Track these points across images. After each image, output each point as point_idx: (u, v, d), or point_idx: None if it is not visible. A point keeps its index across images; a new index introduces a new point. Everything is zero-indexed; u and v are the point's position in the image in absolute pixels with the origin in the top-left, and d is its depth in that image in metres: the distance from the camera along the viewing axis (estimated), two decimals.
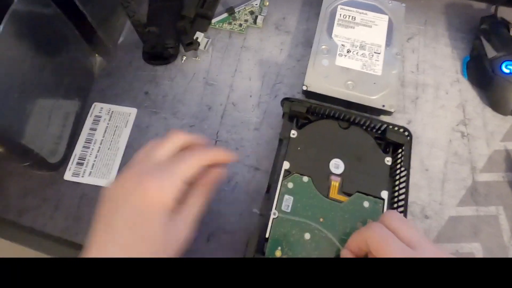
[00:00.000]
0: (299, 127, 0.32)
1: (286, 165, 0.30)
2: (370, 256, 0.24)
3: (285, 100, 0.32)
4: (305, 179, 0.29)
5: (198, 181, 0.25)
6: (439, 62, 0.38)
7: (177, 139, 0.25)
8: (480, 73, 0.36)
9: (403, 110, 0.35)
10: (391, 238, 0.22)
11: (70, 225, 0.30)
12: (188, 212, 0.24)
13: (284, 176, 0.29)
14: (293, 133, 0.31)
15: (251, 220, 0.30)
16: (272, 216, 0.28)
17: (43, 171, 0.32)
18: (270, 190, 0.29)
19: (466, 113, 0.35)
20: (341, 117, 0.32)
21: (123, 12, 0.40)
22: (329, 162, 0.30)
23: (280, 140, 0.31)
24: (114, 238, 0.21)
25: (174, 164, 0.23)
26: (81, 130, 0.34)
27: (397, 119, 0.35)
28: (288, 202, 0.28)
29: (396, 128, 0.31)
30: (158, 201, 0.22)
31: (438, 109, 0.35)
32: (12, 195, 0.32)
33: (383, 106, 0.33)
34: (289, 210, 0.28)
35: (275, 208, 0.28)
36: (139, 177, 0.22)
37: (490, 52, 0.35)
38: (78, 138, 0.34)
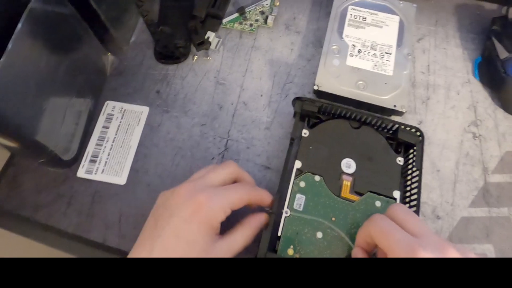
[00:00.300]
0: (310, 127, 0.32)
1: (298, 164, 0.30)
2: (379, 249, 0.24)
3: (297, 100, 0.32)
4: (317, 178, 0.29)
5: (247, 220, 0.26)
6: (450, 63, 0.37)
7: (232, 169, 0.27)
8: (492, 74, 0.36)
9: (414, 110, 0.35)
10: (393, 228, 0.22)
11: (82, 221, 0.31)
12: (231, 243, 0.24)
13: (296, 175, 0.29)
14: (305, 133, 0.31)
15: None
16: (284, 215, 0.28)
17: (57, 168, 0.33)
18: (281, 188, 0.29)
19: (478, 114, 0.35)
20: (352, 117, 0.32)
21: (136, 12, 0.40)
22: (340, 162, 0.30)
23: (292, 140, 0.31)
24: (159, 245, 0.22)
25: (227, 190, 0.25)
26: (94, 128, 0.35)
27: (408, 120, 0.35)
28: (300, 201, 0.29)
29: (408, 128, 0.31)
30: (206, 217, 0.23)
31: (449, 110, 0.35)
32: (27, 191, 0.32)
33: (395, 106, 0.33)
34: (301, 209, 0.28)
35: (287, 207, 0.28)
36: (194, 191, 0.24)
37: (502, 53, 0.35)
38: (91, 136, 0.34)
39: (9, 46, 0.24)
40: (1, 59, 0.24)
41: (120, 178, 0.32)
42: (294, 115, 0.33)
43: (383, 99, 0.34)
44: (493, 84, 0.36)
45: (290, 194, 0.29)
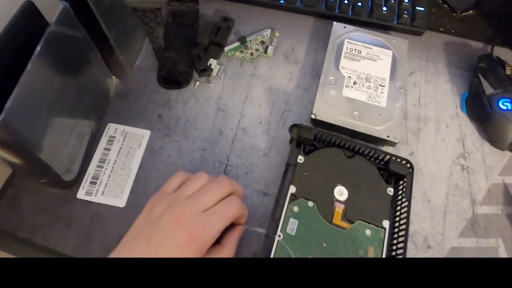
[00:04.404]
0: (305, 153, 0.33)
1: (292, 189, 0.31)
2: None
3: (294, 126, 0.33)
4: (310, 204, 0.30)
5: (229, 235, 0.28)
6: (440, 97, 0.40)
7: (226, 189, 0.27)
8: (478, 109, 0.38)
9: (406, 141, 0.37)
10: None
11: (81, 243, 0.31)
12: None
13: (290, 200, 0.30)
14: (300, 159, 0.32)
15: (259, 242, 0.31)
16: (277, 238, 0.29)
17: (57, 188, 0.33)
18: (275, 212, 0.29)
19: (466, 147, 0.37)
20: (346, 146, 0.33)
21: (141, 37, 0.42)
22: (333, 189, 0.31)
23: (287, 165, 0.32)
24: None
25: (218, 215, 0.26)
26: (96, 150, 0.35)
27: (400, 151, 0.36)
28: (293, 225, 0.29)
29: (398, 160, 0.32)
30: (199, 246, 0.24)
31: (439, 142, 0.37)
32: (26, 212, 0.32)
33: (388, 136, 0.35)
34: (293, 234, 0.29)
35: (280, 231, 0.29)
36: (188, 220, 0.25)
37: (488, 89, 0.38)
38: (92, 157, 0.35)
39: (28, 66, 0.25)
40: (20, 79, 0.25)
41: (120, 201, 0.33)
42: (291, 142, 0.34)
43: (377, 130, 0.35)
44: (479, 119, 0.38)
45: (284, 218, 0.29)
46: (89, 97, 0.35)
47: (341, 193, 0.31)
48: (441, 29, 0.44)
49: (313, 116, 0.36)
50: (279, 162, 0.35)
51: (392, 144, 0.35)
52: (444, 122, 0.38)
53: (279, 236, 0.29)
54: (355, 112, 0.36)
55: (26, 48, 0.26)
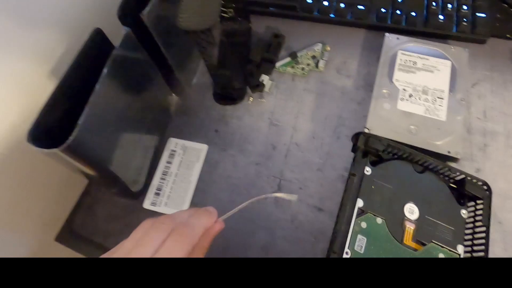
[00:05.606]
0: (372, 165, 0.31)
1: (359, 202, 0.28)
2: None
3: (360, 134, 0.31)
4: (379, 220, 0.28)
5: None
6: (509, 109, 0.37)
7: (165, 231, 0.23)
8: None
9: (471, 158, 0.35)
10: None
11: None
12: None
13: (357, 214, 0.28)
14: (367, 170, 0.30)
15: None
16: (345, 256, 0.26)
17: (126, 198, 0.36)
18: (339, 227, 0.27)
19: None
20: (414, 160, 0.31)
21: (197, 57, 0.45)
22: (403, 206, 0.29)
23: (352, 175, 0.29)
24: None
25: (189, 229, 0.23)
26: (159, 163, 0.38)
27: (464, 167, 0.34)
28: (361, 242, 0.27)
29: (474, 181, 0.29)
30: None
31: (510, 158, 0.34)
32: (100, 219, 0.36)
33: (449, 152, 0.33)
34: (362, 252, 0.27)
35: (348, 247, 0.27)
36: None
37: None
38: (155, 170, 0.38)
39: (97, 87, 0.28)
40: (90, 99, 0.27)
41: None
42: (353, 150, 0.32)
43: (437, 145, 0.34)
44: None
45: (351, 234, 0.27)
46: (152, 114, 0.38)
47: (411, 211, 0.29)
48: (507, 35, 0.41)
49: (366, 131, 0.35)
50: (334, 178, 0.35)
51: (454, 160, 0.34)
52: None
53: (347, 253, 0.26)
54: (412, 126, 0.35)
55: (95, 70, 0.29)
